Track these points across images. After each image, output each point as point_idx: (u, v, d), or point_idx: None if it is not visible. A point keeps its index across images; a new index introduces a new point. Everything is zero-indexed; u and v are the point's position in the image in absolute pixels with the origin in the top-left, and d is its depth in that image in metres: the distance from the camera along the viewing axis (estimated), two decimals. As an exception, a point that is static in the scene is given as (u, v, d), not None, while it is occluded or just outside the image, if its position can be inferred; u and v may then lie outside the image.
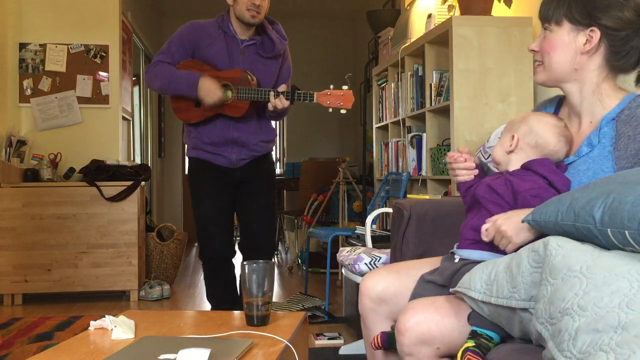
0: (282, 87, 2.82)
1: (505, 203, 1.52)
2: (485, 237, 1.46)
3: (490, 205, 1.54)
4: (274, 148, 3.20)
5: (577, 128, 1.59)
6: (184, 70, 2.88)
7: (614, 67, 1.53)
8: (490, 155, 1.76)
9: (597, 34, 1.49)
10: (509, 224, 1.41)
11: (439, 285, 1.57)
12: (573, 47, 1.52)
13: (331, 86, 2.79)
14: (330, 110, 2.80)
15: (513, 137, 1.58)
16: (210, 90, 2.80)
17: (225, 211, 3.06)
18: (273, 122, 3.17)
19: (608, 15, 1.48)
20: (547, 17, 1.55)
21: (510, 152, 1.58)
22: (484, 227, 1.47)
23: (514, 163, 1.58)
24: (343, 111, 2.81)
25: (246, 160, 3.03)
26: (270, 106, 2.81)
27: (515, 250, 1.39)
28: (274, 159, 3.26)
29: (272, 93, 2.78)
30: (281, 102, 2.78)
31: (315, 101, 2.79)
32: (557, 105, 1.72)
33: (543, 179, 1.50)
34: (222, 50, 2.90)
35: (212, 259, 3.07)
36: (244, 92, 2.82)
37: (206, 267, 3.11)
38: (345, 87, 2.79)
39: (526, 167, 1.55)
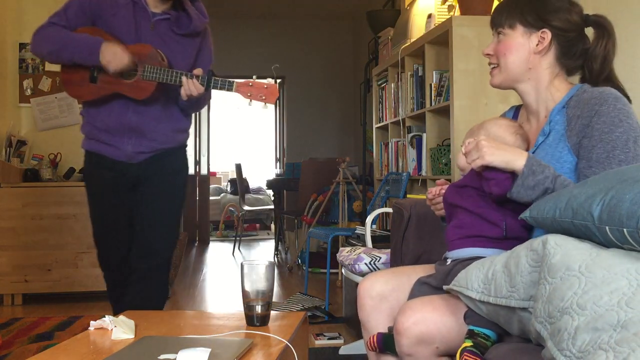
0: (198, 71, 2.38)
1: (473, 189, 1.59)
2: (463, 149, 1.55)
3: (460, 200, 1.61)
4: (187, 143, 2.67)
5: (535, 125, 1.69)
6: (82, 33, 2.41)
7: (564, 66, 1.66)
8: None
9: (548, 35, 1.62)
10: (489, 141, 1.50)
11: (434, 286, 1.59)
12: (527, 48, 1.64)
13: (254, 77, 2.39)
14: (250, 103, 2.39)
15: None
16: (116, 54, 2.33)
17: (123, 220, 2.56)
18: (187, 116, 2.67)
19: (558, 17, 1.61)
20: (501, 23, 1.67)
21: None
22: (466, 141, 1.56)
23: None
24: (264, 106, 2.39)
25: (146, 155, 2.50)
26: (183, 92, 2.36)
27: (479, 174, 1.52)
28: (186, 157, 2.68)
29: (185, 76, 2.35)
30: (195, 87, 2.34)
31: (234, 91, 2.38)
32: (515, 113, 1.83)
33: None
34: (128, 20, 2.43)
35: (113, 277, 2.61)
36: (152, 71, 2.36)
37: (108, 279, 2.65)
38: (269, 80, 2.39)
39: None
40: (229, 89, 2.37)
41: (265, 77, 2.45)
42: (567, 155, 1.55)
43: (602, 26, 1.63)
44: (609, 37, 1.63)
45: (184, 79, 2.34)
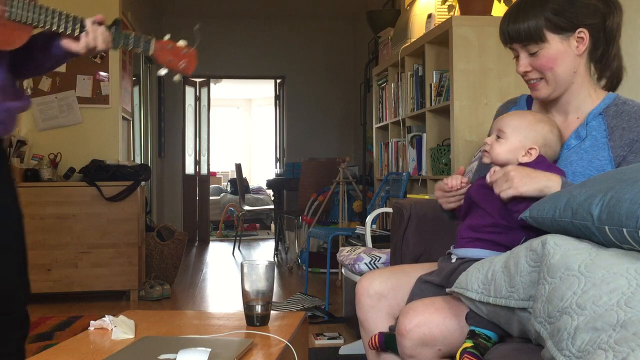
0: (100, 17, 1.71)
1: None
2: (489, 178, 1.49)
3: (485, 203, 1.54)
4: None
5: (561, 123, 1.63)
6: None
7: (592, 58, 1.59)
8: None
9: (586, 34, 1.55)
10: (519, 170, 1.44)
11: (437, 285, 1.57)
12: (570, 53, 1.55)
13: (167, 35, 1.79)
14: (164, 72, 1.80)
15: (531, 150, 1.53)
16: None
17: None
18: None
19: (588, 13, 1.54)
20: (527, 38, 1.53)
21: (525, 163, 1.54)
22: (492, 169, 1.50)
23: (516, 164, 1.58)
24: (177, 78, 1.82)
25: None
26: (82, 46, 1.69)
27: (509, 202, 1.44)
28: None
29: (89, 21, 1.68)
30: (103, 38, 1.68)
31: (150, 53, 1.75)
32: (527, 101, 1.75)
33: None
34: None
35: None
36: (27, 9, 1.60)
37: None
38: (182, 43, 1.79)
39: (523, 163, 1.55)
40: (146, 51, 1.74)
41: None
42: (607, 165, 1.52)
43: (610, 2, 1.57)
44: (616, 11, 1.56)
45: (88, 23, 1.67)
